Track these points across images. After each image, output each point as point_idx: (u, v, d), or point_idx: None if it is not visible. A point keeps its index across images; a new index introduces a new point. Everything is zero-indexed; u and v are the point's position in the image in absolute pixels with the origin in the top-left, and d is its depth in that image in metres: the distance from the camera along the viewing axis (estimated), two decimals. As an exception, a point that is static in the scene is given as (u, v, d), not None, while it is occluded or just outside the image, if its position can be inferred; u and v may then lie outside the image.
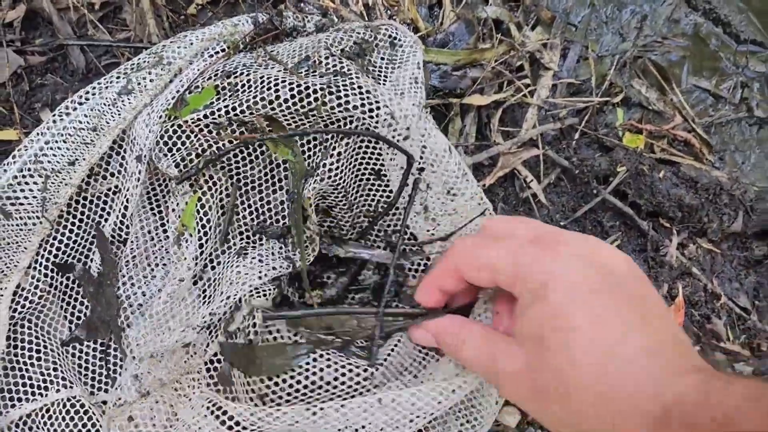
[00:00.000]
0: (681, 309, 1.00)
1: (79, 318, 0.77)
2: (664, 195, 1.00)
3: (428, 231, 0.76)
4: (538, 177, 0.99)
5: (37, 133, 0.71)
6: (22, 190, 0.70)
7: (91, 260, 0.75)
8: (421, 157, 0.71)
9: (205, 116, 0.66)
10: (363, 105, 0.65)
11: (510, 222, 0.57)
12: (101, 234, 0.74)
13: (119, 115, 0.70)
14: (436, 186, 0.74)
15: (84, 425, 0.73)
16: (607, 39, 1.09)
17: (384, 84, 0.75)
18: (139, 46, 0.84)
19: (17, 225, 0.71)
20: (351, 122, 0.67)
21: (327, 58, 0.67)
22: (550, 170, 1.01)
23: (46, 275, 0.75)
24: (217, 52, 0.72)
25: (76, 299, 0.77)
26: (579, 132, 1.02)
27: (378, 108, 0.65)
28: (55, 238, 0.74)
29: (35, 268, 0.75)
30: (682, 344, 0.45)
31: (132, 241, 0.73)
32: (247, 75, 0.68)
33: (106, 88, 0.72)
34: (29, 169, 0.69)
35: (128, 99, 0.70)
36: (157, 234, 0.75)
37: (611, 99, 1.04)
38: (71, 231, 0.75)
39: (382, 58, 0.75)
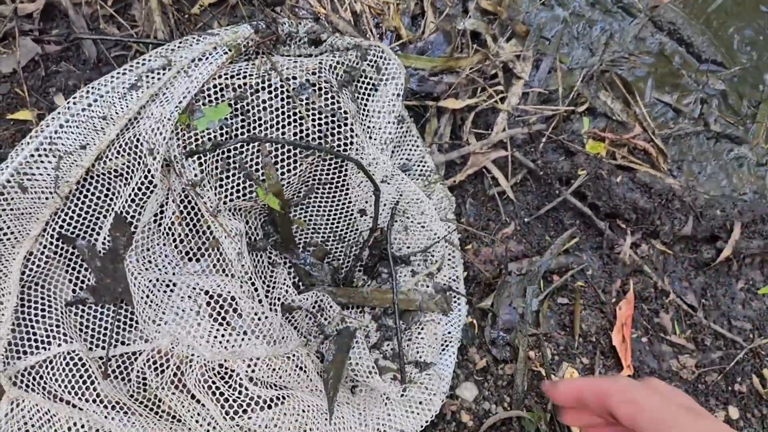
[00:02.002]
0: (631, 303, 1.09)
1: (83, 282, 0.86)
2: (620, 198, 1.09)
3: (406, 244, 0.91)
4: (506, 177, 1.09)
5: (53, 117, 0.80)
6: (38, 168, 0.79)
7: (98, 234, 0.85)
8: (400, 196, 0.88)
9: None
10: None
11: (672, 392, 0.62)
12: (118, 217, 0.83)
13: (128, 107, 0.79)
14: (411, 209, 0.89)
15: (81, 376, 0.82)
16: (577, 53, 1.18)
17: (366, 105, 0.88)
18: (147, 41, 0.93)
19: (31, 198, 0.80)
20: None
21: (327, 93, 0.80)
22: (518, 171, 1.10)
23: (53, 243, 0.84)
24: (221, 55, 0.81)
25: (81, 266, 0.86)
26: (546, 137, 1.11)
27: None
28: (64, 212, 0.83)
29: (44, 237, 0.84)
30: None
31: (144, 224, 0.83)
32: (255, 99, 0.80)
33: (118, 81, 0.81)
34: (45, 149, 0.79)
35: (137, 94, 0.80)
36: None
37: (577, 108, 1.13)
38: (78, 207, 0.84)
39: (370, 79, 0.87)
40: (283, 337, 0.80)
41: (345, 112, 0.82)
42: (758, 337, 1.13)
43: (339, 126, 0.79)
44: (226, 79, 0.81)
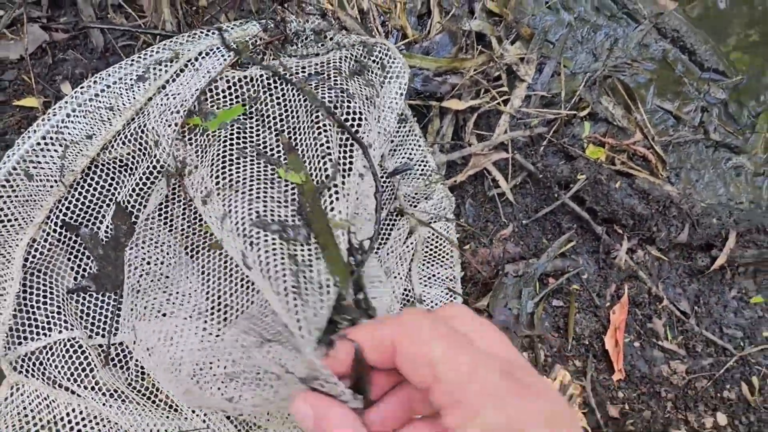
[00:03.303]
0: (625, 307, 1.11)
1: (84, 270, 0.87)
2: (618, 203, 1.10)
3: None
4: (507, 178, 1.10)
5: (60, 106, 0.81)
6: (44, 156, 0.79)
7: (101, 222, 0.86)
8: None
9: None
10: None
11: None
12: (119, 206, 0.84)
13: (135, 98, 0.80)
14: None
15: (80, 363, 0.83)
16: (581, 57, 1.19)
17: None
18: (155, 32, 0.94)
19: (36, 186, 0.81)
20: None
21: (336, 76, 0.79)
22: (518, 173, 1.11)
23: (56, 231, 0.85)
24: (229, 52, 0.82)
25: (83, 254, 0.87)
26: (547, 140, 1.12)
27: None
28: (68, 200, 0.84)
29: (48, 224, 0.84)
30: None
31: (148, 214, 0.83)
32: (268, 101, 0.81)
33: (125, 72, 0.82)
34: (52, 138, 0.79)
35: (144, 85, 0.80)
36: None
37: (579, 113, 1.14)
38: (82, 195, 0.85)
39: (375, 76, 0.87)
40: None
41: (351, 95, 0.81)
42: (749, 345, 1.14)
43: (348, 111, 0.78)
44: (238, 80, 0.81)
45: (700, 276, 1.17)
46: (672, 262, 1.17)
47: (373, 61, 0.87)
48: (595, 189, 1.10)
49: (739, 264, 1.17)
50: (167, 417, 0.86)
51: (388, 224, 1.00)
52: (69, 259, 0.87)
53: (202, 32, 0.87)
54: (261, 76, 0.84)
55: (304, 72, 0.84)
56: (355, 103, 0.78)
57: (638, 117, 1.19)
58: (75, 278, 0.87)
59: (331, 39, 0.92)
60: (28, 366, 0.83)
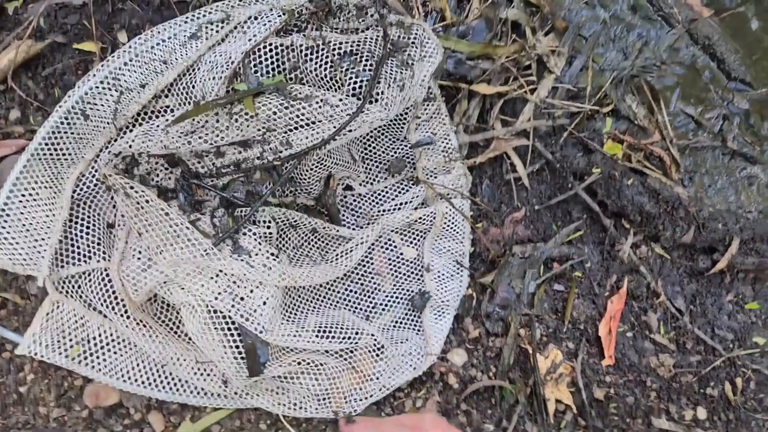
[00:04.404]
0: (622, 298, 1.16)
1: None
2: (628, 200, 1.15)
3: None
4: (525, 164, 1.15)
5: (118, 54, 0.88)
6: (101, 99, 0.87)
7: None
8: None
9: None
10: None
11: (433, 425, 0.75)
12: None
13: (187, 55, 0.87)
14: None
15: (114, 292, 0.91)
16: (611, 55, 1.23)
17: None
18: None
19: (91, 125, 0.88)
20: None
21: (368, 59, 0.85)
22: (536, 160, 1.17)
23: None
24: (275, 18, 0.88)
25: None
26: (568, 132, 1.16)
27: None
28: (116, 141, 0.92)
29: (96, 162, 0.92)
30: None
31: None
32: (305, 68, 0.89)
33: (179, 29, 0.88)
34: (109, 83, 0.87)
35: (196, 44, 0.87)
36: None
37: (602, 108, 1.19)
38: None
39: (410, 56, 0.93)
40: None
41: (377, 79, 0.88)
42: (738, 348, 1.20)
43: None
44: (281, 47, 0.87)
45: (699, 277, 1.22)
46: (674, 260, 1.22)
47: (411, 41, 0.93)
48: (608, 183, 1.15)
49: (739, 270, 1.22)
50: (187, 348, 0.94)
51: (401, 190, 1.08)
52: (111, 196, 0.94)
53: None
54: (301, 45, 0.90)
55: (340, 49, 0.90)
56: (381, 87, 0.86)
57: (660, 118, 1.23)
58: (114, 214, 0.95)
59: (371, 16, 0.97)
60: (68, 287, 0.91)
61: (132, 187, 0.81)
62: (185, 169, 0.88)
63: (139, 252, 0.89)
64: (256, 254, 0.85)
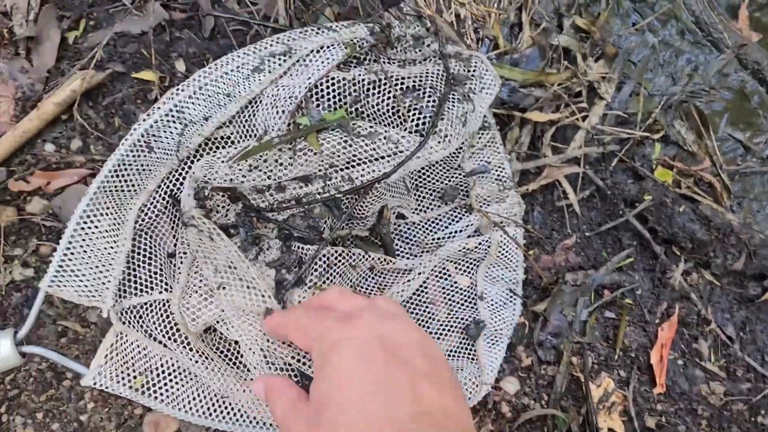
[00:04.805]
0: (673, 326, 1.16)
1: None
2: (680, 227, 1.14)
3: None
4: (575, 191, 1.15)
5: (182, 87, 0.88)
6: (165, 131, 0.87)
7: (203, 194, 0.93)
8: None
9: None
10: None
11: (338, 298, 0.63)
12: None
13: (250, 87, 0.87)
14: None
15: (174, 322, 0.91)
16: (660, 80, 1.22)
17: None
18: (268, 25, 1.00)
19: (154, 157, 0.88)
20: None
21: (431, 95, 0.86)
22: (587, 187, 1.16)
23: (164, 199, 0.93)
24: (338, 52, 0.88)
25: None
26: (618, 159, 1.16)
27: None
28: (178, 173, 0.92)
29: (158, 192, 0.92)
30: (447, 415, 0.47)
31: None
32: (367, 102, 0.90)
33: (242, 61, 0.89)
34: (174, 116, 0.87)
35: (259, 77, 0.87)
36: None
37: (652, 135, 1.18)
38: (191, 168, 0.92)
39: (469, 89, 0.93)
40: None
41: (441, 116, 0.89)
42: (788, 375, 1.19)
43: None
44: (343, 81, 0.88)
45: (749, 304, 1.21)
46: (724, 287, 1.21)
47: (471, 74, 0.93)
48: (660, 210, 1.15)
49: (789, 297, 1.21)
50: (244, 378, 0.94)
51: (454, 218, 1.08)
52: (171, 227, 0.95)
53: (313, 29, 0.93)
54: (363, 79, 0.90)
55: (402, 84, 0.90)
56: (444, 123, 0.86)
57: (709, 144, 1.22)
58: (174, 244, 0.96)
59: (428, 46, 0.97)
60: (130, 318, 0.91)
61: (213, 229, 0.82)
62: (246, 203, 0.88)
63: (199, 286, 0.89)
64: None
